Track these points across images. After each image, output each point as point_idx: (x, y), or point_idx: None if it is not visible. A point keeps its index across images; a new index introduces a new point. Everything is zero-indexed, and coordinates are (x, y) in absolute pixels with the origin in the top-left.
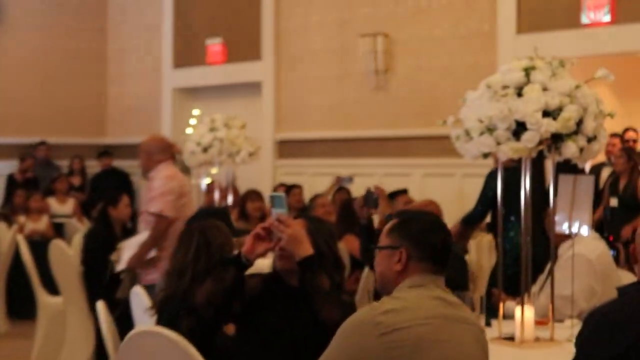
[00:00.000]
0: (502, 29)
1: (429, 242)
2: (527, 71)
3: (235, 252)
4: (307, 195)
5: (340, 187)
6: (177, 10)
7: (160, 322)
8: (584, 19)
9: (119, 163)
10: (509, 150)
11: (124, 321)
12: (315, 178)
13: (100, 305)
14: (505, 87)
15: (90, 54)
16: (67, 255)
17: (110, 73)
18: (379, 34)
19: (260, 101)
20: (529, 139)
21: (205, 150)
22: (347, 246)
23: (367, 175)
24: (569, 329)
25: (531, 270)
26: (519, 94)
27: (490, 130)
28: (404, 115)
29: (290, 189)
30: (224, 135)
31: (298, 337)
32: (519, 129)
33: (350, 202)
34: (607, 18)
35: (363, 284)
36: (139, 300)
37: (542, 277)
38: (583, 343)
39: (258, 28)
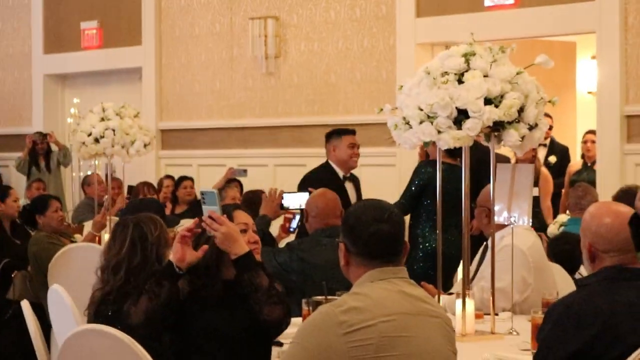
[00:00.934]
0: (401, 11)
1: (362, 236)
2: (467, 57)
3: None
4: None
5: (233, 179)
6: None
7: (96, 321)
8: (487, 2)
9: None
10: (450, 139)
11: (15, 323)
12: (202, 169)
13: (25, 305)
14: (445, 73)
15: None
16: None
17: None
18: (269, 16)
19: (141, 88)
20: (471, 127)
21: (96, 141)
22: None
23: (260, 166)
24: (505, 321)
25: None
26: (460, 81)
27: (431, 118)
28: (297, 102)
29: (179, 181)
30: (116, 125)
31: (235, 336)
32: (460, 117)
33: (254, 194)
34: (510, 0)
35: None
36: (59, 298)
37: (472, 270)
38: (547, 337)
39: (138, 9)
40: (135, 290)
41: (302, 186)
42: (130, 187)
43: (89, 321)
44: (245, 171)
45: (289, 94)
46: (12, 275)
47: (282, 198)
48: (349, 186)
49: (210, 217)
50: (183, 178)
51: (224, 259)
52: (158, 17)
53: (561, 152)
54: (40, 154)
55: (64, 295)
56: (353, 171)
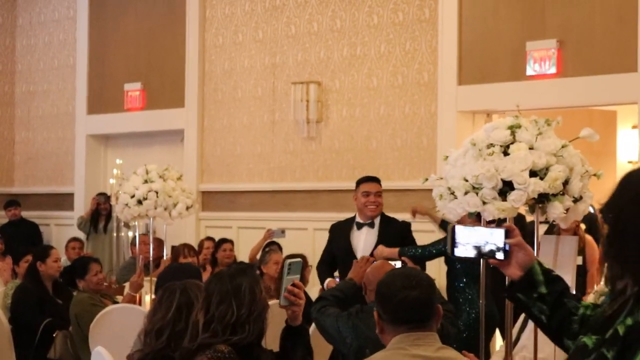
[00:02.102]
0: (443, 79)
1: (391, 303)
2: (513, 129)
3: None
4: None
5: (272, 242)
6: (93, 52)
7: None
8: (529, 71)
9: (27, 214)
10: (495, 210)
11: None
12: (242, 231)
13: None
14: (490, 145)
15: None
16: None
17: (19, 117)
18: (311, 81)
19: (183, 150)
20: (516, 199)
21: (140, 202)
22: None
23: (299, 230)
24: None
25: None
26: (505, 153)
27: (476, 189)
28: (337, 167)
29: (219, 243)
30: (160, 187)
31: None
32: (505, 188)
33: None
34: (552, 70)
35: None
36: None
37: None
38: None
39: (181, 72)
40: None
41: (329, 235)
42: (173, 248)
43: None
44: (283, 232)
45: (330, 159)
46: (54, 335)
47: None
48: (364, 232)
49: (296, 286)
50: (223, 241)
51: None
52: (201, 79)
53: (589, 220)
54: (102, 215)
55: (108, 357)
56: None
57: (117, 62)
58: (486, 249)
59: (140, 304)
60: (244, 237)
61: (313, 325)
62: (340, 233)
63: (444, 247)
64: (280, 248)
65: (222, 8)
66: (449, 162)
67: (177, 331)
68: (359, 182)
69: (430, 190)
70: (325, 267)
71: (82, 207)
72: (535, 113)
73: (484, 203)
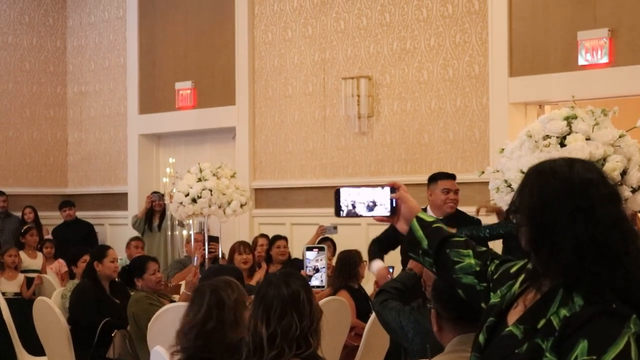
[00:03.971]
0: (494, 71)
1: (450, 301)
2: (569, 120)
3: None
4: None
5: (324, 237)
6: (143, 52)
7: None
8: (581, 61)
9: (81, 214)
10: None
11: None
12: (295, 228)
13: None
14: (547, 136)
15: (50, 99)
16: (53, 313)
17: (71, 118)
18: (362, 76)
19: (234, 147)
20: None
21: (194, 201)
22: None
23: (353, 225)
24: None
25: None
26: (562, 144)
27: None
28: (389, 161)
29: (273, 240)
30: (213, 185)
31: None
32: None
33: (349, 255)
34: (604, 59)
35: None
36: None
37: None
38: None
39: (232, 70)
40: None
41: (389, 228)
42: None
43: None
44: (335, 228)
45: (382, 154)
46: (112, 335)
47: None
48: None
49: None
50: (277, 237)
51: None
52: (252, 77)
53: None
54: (157, 213)
55: (166, 356)
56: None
57: (168, 61)
58: (373, 206)
59: None
60: (298, 233)
61: (371, 318)
62: None
63: (502, 230)
64: (333, 244)
65: (270, 4)
66: (504, 155)
67: (207, 330)
68: (438, 178)
69: (484, 183)
70: (378, 245)
71: (135, 206)
72: (587, 103)
73: None
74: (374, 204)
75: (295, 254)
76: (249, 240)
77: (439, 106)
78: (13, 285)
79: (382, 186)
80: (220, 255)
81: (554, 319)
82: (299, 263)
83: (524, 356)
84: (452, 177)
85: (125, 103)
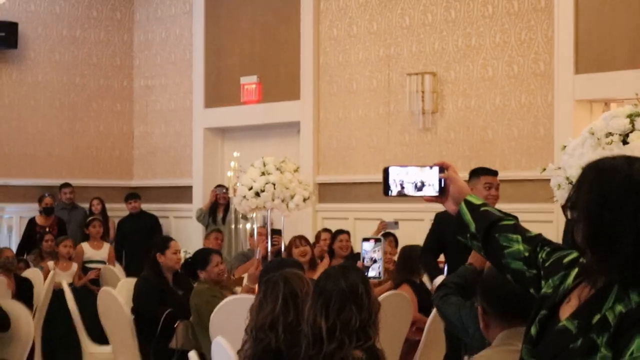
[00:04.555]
0: (559, 68)
1: (496, 296)
2: (632, 118)
3: None
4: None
5: (386, 233)
6: (209, 46)
7: None
8: None
9: (146, 206)
10: None
11: None
12: (358, 222)
13: (192, 355)
14: (609, 134)
15: (116, 92)
16: (117, 304)
17: (137, 112)
18: (426, 72)
19: (299, 142)
20: None
21: (257, 194)
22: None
23: (415, 221)
24: None
25: None
26: (624, 142)
27: None
28: (453, 158)
29: (336, 235)
30: (277, 179)
31: None
32: None
33: (412, 250)
34: None
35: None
36: (222, 350)
37: None
38: None
39: (297, 65)
40: None
41: (433, 222)
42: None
43: None
44: (397, 223)
45: (446, 150)
46: (175, 325)
47: None
48: None
49: None
50: (339, 232)
51: None
52: (316, 72)
53: None
54: (221, 207)
55: (228, 347)
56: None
57: (233, 56)
58: (421, 186)
59: None
60: (360, 228)
61: (433, 313)
62: (449, 222)
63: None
64: (395, 239)
65: (336, 0)
66: (567, 152)
67: (289, 323)
68: (480, 173)
69: (547, 180)
70: (431, 257)
71: (200, 199)
72: None
73: None
74: (423, 184)
75: (358, 248)
76: (312, 235)
77: (503, 103)
78: (67, 275)
79: (431, 166)
80: (283, 249)
81: (609, 314)
82: None
83: (578, 351)
84: (494, 173)
85: (190, 97)
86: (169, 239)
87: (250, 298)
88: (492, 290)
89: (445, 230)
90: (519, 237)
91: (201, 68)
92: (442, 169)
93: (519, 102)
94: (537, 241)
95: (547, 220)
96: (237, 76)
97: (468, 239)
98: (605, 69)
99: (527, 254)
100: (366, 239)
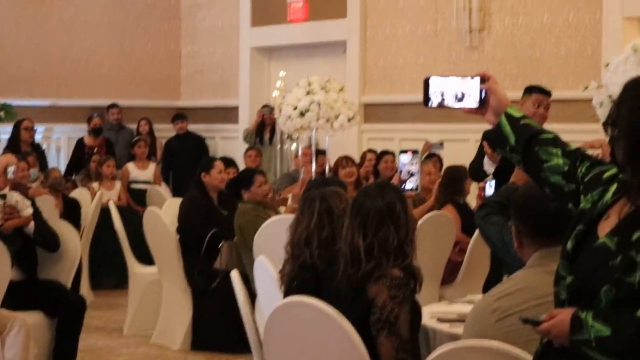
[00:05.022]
0: None
1: (529, 215)
2: None
3: None
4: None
5: (431, 154)
6: None
7: (290, 292)
8: None
9: (193, 127)
10: None
11: (221, 292)
12: (404, 143)
13: (235, 274)
14: None
15: (163, 11)
16: (162, 224)
17: (184, 31)
18: None
19: (345, 61)
20: None
21: (302, 114)
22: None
23: (461, 141)
24: None
25: None
26: None
27: None
28: (500, 76)
29: (381, 155)
30: (322, 99)
31: None
32: None
33: (456, 170)
34: None
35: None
36: (264, 270)
37: None
38: None
39: None
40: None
41: (482, 139)
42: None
43: (286, 291)
44: (442, 144)
45: (493, 68)
46: (219, 245)
47: None
48: None
49: None
50: (384, 153)
51: None
52: None
53: None
54: (267, 127)
55: (270, 266)
56: None
57: None
58: (462, 97)
59: None
60: (406, 148)
61: (476, 233)
62: None
63: None
64: (440, 160)
65: None
66: (609, 69)
67: (324, 238)
68: (532, 91)
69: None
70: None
71: (247, 119)
72: None
73: None
74: (463, 95)
75: None
76: (357, 156)
77: (551, 21)
78: (111, 195)
79: (472, 76)
80: (327, 169)
81: None
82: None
83: (617, 268)
84: (546, 92)
85: (238, 15)
86: (213, 159)
87: (291, 218)
88: (526, 209)
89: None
90: (559, 151)
91: None
92: (484, 79)
93: (566, 20)
94: (577, 155)
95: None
96: None
97: (507, 151)
98: None
99: (566, 168)
100: (404, 151)
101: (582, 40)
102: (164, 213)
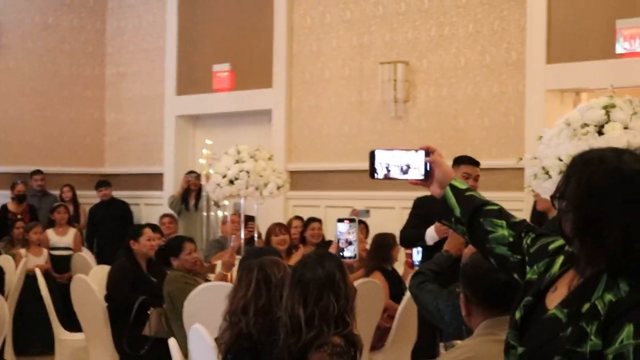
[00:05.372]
0: (531, 58)
1: (480, 286)
2: (607, 109)
3: None
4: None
5: (358, 221)
6: (182, 34)
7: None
8: (619, 49)
9: (117, 194)
10: None
11: (150, 359)
12: (329, 210)
13: (172, 343)
14: (585, 125)
15: (88, 79)
16: (91, 291)
17: (109, 99)
18: (399, 61)
19: (270, 130)
20: None
21: (231, 182)
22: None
23: (386, 209)
24: None
25: None
26: (600, 132)
27: None
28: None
29: (308, 222)
30: (251, 167)
31: None
32: None
33: (384, 238)
34: None
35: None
36: (200, 337)
37: None
38: None
39: (269, 53)
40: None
41: (414, 208)
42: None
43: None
44: (368, 212)
45: (417, 138)
46: (148, 312)
47: None
48: None
49: None
50: (311, 220)
51: None
52: (289, 61)
53: None
54: (193, 193)
55: (206, 334)
56: None
57: (206, 44)
58: (407, 169)
59: (231, 281)
60: (332, 216)
61: (404, 300)
62: (429, 209)
63: None
64: (366, 227)
65: None
66: (543, 142)
67: (261, 306)
68: (460, 162)
69: (519, 169)
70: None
71: (171, 186)
72: (625, 92)
73: None
74: (408, 167)
75: (329, 236)
76: (284, 222)
77: (475, 92)
78: (38, 262)
79: (417, 150)
80: (256, 236)
81: (598, 303)
82: None
83: (568, 339)
84: (475, 163)
85: (162, 85)
86: (142, 226)
87: (223, 285)
88: (476, 279)
89: (424, 215)
90: (504, 223)
91: (174, 55)
92: (428, 152)
93: (490, 92)
94: (522, 227)
95: (518, 209)
96: (210, 64)
97: (453, 222)
98: (577, 59)
99: (511, 239)
100: (341, 220)
101: (505, 112)
102: (91, 280)
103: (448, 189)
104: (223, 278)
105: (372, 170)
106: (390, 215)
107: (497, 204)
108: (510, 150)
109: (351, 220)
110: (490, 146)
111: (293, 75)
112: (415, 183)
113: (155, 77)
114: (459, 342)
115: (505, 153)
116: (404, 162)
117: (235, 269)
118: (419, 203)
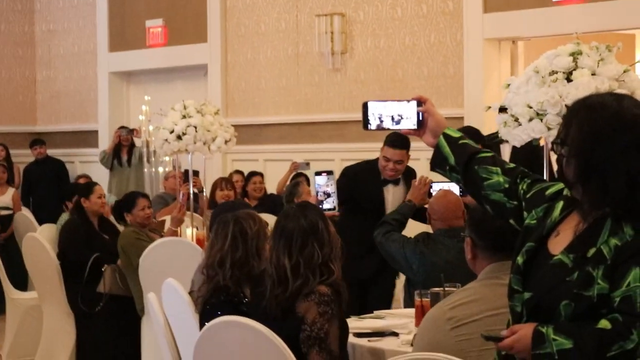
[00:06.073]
0: (468, 7)
1: (488, 230)
2: (575, 56)
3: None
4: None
5: (298, 173)
6: None
7: (206, 313)
8: None
9: (52, 151)
10: None
11: (105, 315)
12: (269, 164)
13: (152, 298)
14: (553, 72)
15: (18, 37)
16: (43, 249)
17: (40, 57)
18: (335, 13)
19: (207, 85)
20: None
21: (179, 137)
22: None
23: (325, 161)
24: None
25: None
26: (568, 79)
27: (540, 115)
28: (363, 97)
29: (249, 177)
30: (198, 122)
31: None
32: None
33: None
34: None
35: None
36: (174, 292)
37: None
38: None
39: (203, 7)
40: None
41: (341, 176)
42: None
43: (201, 313)
44: (308, 164)
45: (355, 90)
46: (102, 269)
47: (431, 186)
48: (388, 189)
49: None
50: (253, 174)
51: None
52: (223, 14)
53: None
54: (124, 148)
55: (180, 288)
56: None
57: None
58: (400, 119)
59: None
60: (271, 169)
61: None
62: (365, 181)
63: None
64: (307, 180)
65: None
66: (511, 90)
67: (237, 259)
68: (385, 143)
69: (459, 118)
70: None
71: (106, 143)
72: (562, 39)
73: (549, 129)
74: (401, 117)
75: (270, 189)
76: (224, 176)
77: (412, 42)
78: None
79: (409, 100)
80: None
81: (604, 247)
82: (276, 198)
83: (575, 284)
84: (400, 146)
85: (95, 41)
86: (93, 184)
87: (176, 240)
88: (484, 224)
89: (364, 193)
90: (499, 169)
91: (105, 11)
92: (420, 102)
93: (428, 42)
94: (517, 173)
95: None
96: (143, 19)
97: (447, 171)
98: (514, 8)
99: (507, 186)
100: (318, 173)
101: (443, 61)
102: (44, 238)
103: (441, 137)
104: (173, 234)
105: (365, 121)
106: (330, 167)
107: (489, 151)
108: (449, 99)
109: (328, 173)
110: (429, 95)
111: (228, 29)
112: (409, 133)
113: (87, 34)
114: (435, 290)
115: (444, 102)
116: (396, 112)
117: (184, 225)
118: (349, 174)
